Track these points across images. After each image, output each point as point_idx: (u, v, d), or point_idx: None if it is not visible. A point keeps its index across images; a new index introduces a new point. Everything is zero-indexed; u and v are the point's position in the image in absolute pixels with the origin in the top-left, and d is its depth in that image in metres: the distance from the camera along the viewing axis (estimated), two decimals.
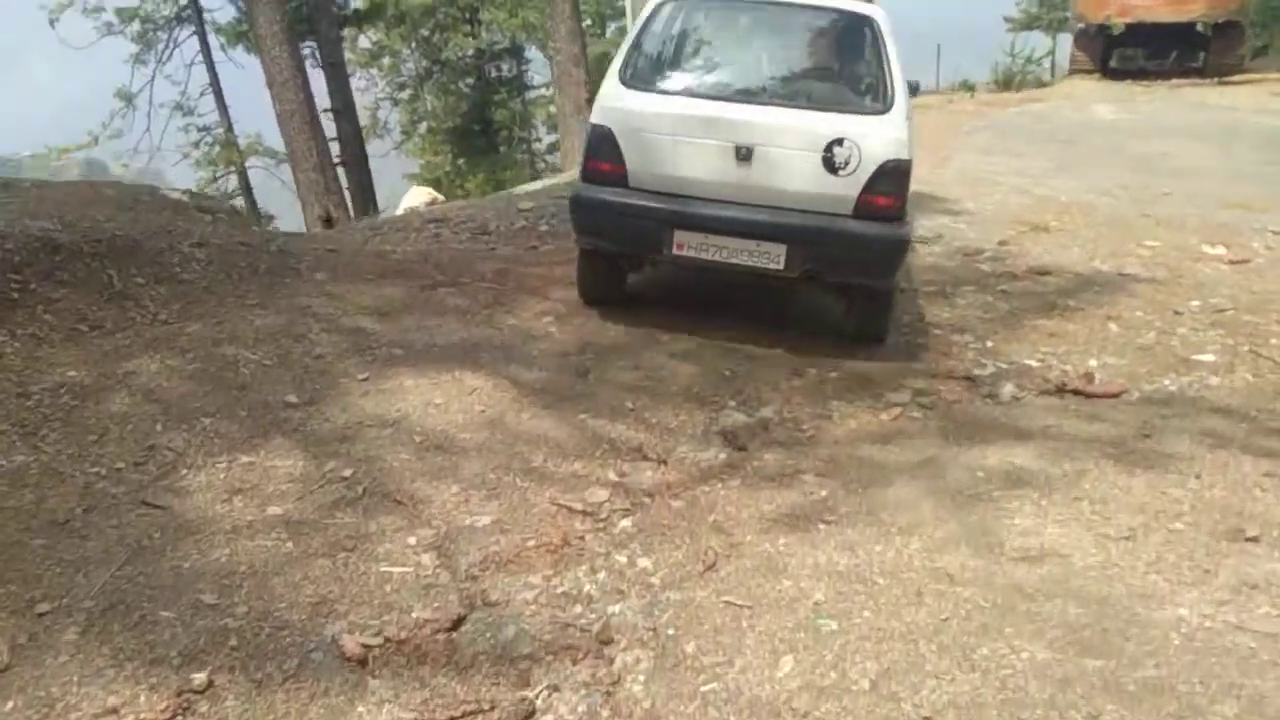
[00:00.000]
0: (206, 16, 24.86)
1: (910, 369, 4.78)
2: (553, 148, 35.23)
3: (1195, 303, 5.90)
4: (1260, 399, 4.54)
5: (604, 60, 34.96)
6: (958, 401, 4.38)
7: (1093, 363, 4.99)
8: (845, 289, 5.00)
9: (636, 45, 4.87)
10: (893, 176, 4.52)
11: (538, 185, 9.81)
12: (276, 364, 4.01)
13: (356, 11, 28.06)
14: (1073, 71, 17.40)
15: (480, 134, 34.16)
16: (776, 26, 5.12)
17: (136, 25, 24.54)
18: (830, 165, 4.47)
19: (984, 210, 8.10)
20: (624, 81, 4.75)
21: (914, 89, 5.07)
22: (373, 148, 35.35)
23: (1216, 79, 15.72)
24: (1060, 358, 5.05)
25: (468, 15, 32.82)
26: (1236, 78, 15.71)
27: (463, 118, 33.40)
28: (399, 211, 10.13)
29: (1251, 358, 5.08)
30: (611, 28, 33.85)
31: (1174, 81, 16.08)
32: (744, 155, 4.50)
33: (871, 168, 4.47)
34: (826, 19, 5.06)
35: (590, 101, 12.75)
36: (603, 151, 4.68)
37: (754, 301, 5.42)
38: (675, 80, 4.85)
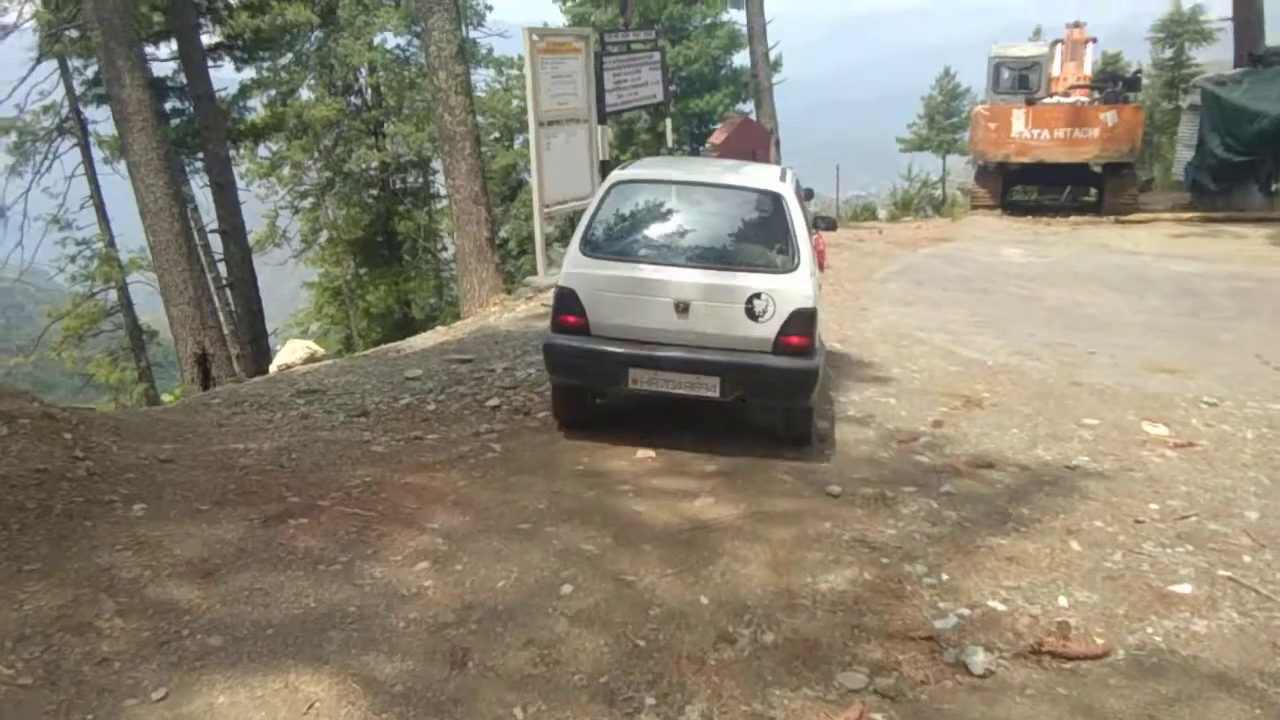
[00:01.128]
0: (90, 128, 23.78)
1: (862, 624, 3.99)
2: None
3: (1154, 506, 5.35)
4: (1257, 654, 3.91)
5: (510, 172, 35.27)
6: (925, 682, 3.59)
7: (1063, 601, 4.31)
8: (773, 409, 6.16)
9: (592, 220, 5.95)
10: (801, 320, 5.64)
11: (431, 341, 8.95)
12: (39, 682, 2.97)
13: (253, 125, 27.16)
14: (974, 207, 17.65)
15: (384, 245, 33.28)
16: (705, 203, 6.20)
17: (13, 136, 23.23)
18: (751, 314, 5.61)
19: (912, 378, 7.57)
20: (583, 251, 5.84)
21: (830, 224, 6.81)
22: (269, 256, 34.23)
23: (1114, 218, 16.07)
24: (1026, 595, 4.35)
25: (372, 128, 32.34)
26: (1133, 217, 16.08)
27: (366, 228, 32.51)
28: (273, 367, 9.10)
29: (1232, 588, 4.49)
30: (519, 140, 33.79)
31: (1074, 219, 16.39)
32: (683, 308, 5.63)
33: (784, 314, 5.59)
34: (744, 196, 6.18)
35: (490, 241, 12.21)
36: (568, 307, 5.79)
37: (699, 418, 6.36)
38: (625, 248, 5.91)
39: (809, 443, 6.10)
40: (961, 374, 7.78)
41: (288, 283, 36.86)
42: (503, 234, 33.45)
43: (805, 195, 6.86)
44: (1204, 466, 6.00)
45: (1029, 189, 19.08)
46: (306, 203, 33.08)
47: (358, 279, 34.11)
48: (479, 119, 33.03)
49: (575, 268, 5.82)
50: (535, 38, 10.74)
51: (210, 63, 21.35)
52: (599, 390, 6.23)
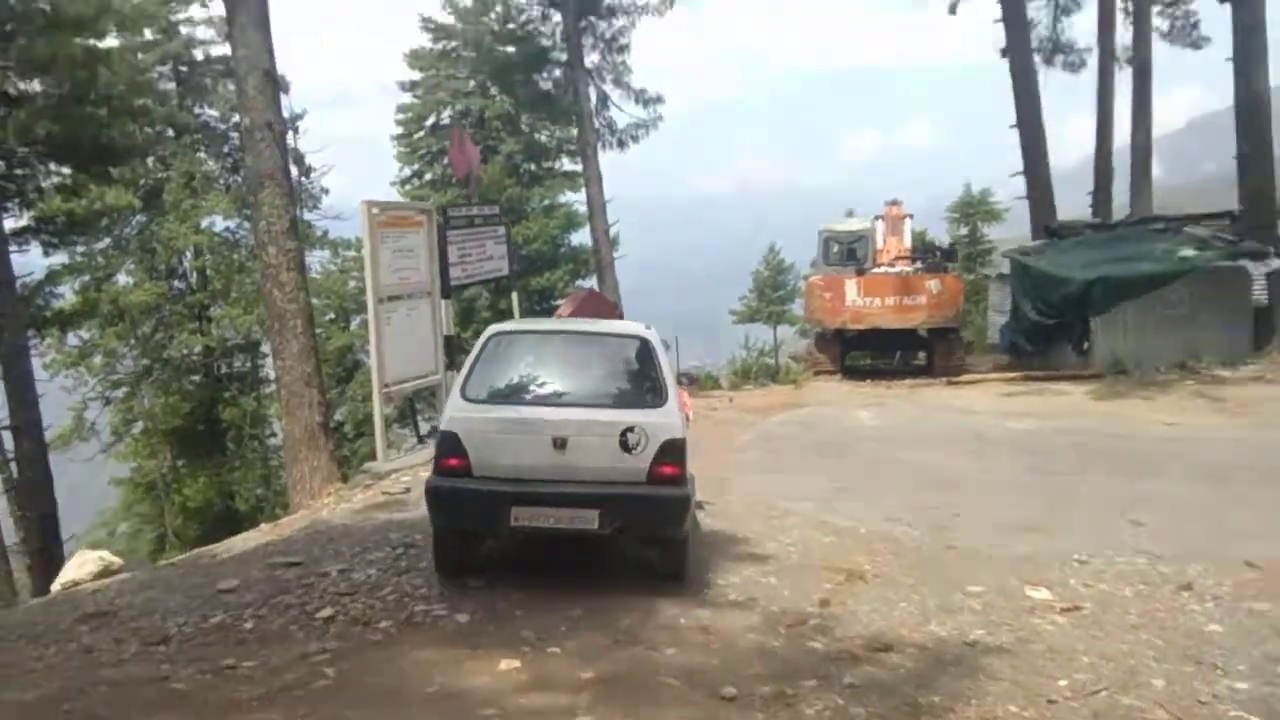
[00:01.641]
0: None
1: None
2: None
3: (1063, 682, 4.98)
4: None
5: (345, 354, 34.02)
6: None
7: None
8: (650, 541, 6.34)
9: (472, 368, 6.25)
10: (673, 450, 5.93)
11: (252, 542, 7.85)
12: None
13: (59, 312, 25.23)
14: (816, 372, 18.12)
15: (206, 434, 30.92)
16: (577, 349, 6.61)
17: None
18: (625, 446, 5.86)
19: (789, 553, 7.13)
20: (464, 397, 6.09)
21: (691, 379, 8.07)
22: (74, 452, 31.13)
23: (946, 379, 16.77)
24: None
25: (196, 312, 30.70)
26: (963, 378, 16.84)
27: (185, 416, 30.18)
28: (56, 585, 7.72)
29: None
30: (355, 321, 32.85)
31: (909, 382, 16.99)
32: (560, 444, 5.84)
33: (656, 445, 5.88)
34: (613, 341, 6.70)
35: (324, 425, 11.26)
36: (450, 450, 5.95)
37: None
38: (504, 392, 6.20)
39: (683, 577, 6.33)
40: (837, 545, 7.43)
41: (96, 479, 33.54)
42: (338, 416, 31.90)
43: (665, 347, 7.25)
44: (1097, 632, 5.75)
45: (862, 354, 19.84)
46: (119, 392, 30.63)
47: (174, 471, 31.43)
48: (313, 300, 32.42)
49: (457, 412, 6.10)
50: (375, 210, 10.32)
51: (15, 247, 19.73)
52: (483, 532, 6.39)
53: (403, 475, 9.84)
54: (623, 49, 24.78)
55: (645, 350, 6.42)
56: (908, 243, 20.58)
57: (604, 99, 25.12)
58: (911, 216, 21.80)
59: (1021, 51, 23.00)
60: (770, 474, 9.88)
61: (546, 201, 36.96)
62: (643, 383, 6.29)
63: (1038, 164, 22.82)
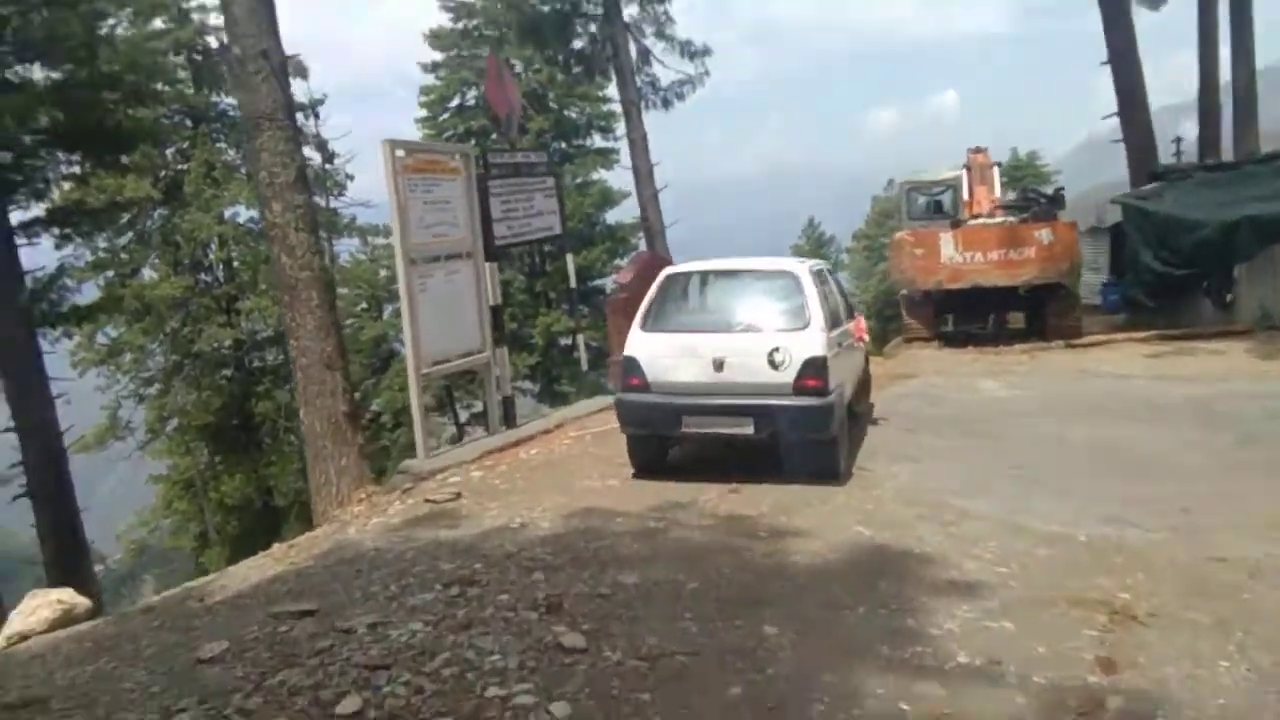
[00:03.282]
0: None
1: None
2: None
3: None
4: None
5: (381, 343, 32.23)
6: None
7: None
8: (801, 443, 7.04)
9: (650, 303, 7.60)
10: (813, 366, 6.92)
11: (255, 576, 5.82)
12: None
13: (76, 308, 23.64)
14: (908, 340, 15.86)
15: (240, 429, 29.62)
16: (735, 283, 7.96)
17: None
18: (773, 364, 6.96)
19: (1003, 579, 5.01)
20: (643, 328, 7.47)
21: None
22: (115, 450, 29.86)
23: (1063, 342, 14.45)
24: None
25: (224, 304, 29.22)
26: (1084, 340, 14.52)
27: (218, 413, 28.80)
28: (0, 638, 5.79)
29: None
30: (388, 310, 31.15)
31: (1019, 346, 14.68)
32: (719, 364, 7.06)
33: (799, 363, 6.92)
34: (765, 275, 7.83)
35: (351, 415, 9.26)
36: (632, 371, 7.35)
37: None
38: (674, 323, 7.51)
39: (837, 475, 7.12)
40: (1061, 561, 5.30)
41: (139, 475, 32.51)
42: (375, 406, 30.26)
43: (833, 281, 8.60)
44: None
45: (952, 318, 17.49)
46: (152, 389, 29.47)
47: (211, 468, 30.16)
48: (342, 289, 30.69)
49: (637, 340, 7.38)
50: (400, 153, 8.31)
51: (25, 240, 18.05)
52: (662, 434, 7.47)
53: (451, 475, 7.85)
54: None
55: (793, 282, 7.42)
56: (997, 192, 18.16)
57: (645, 54, 22.88)
58: (1000, 164, 19.40)
59: None
60: (917, 461, 7.74)
61: (579, 179, 34.96)
62: (789, 310, 7.26)
63: (1135, 104, 20.37)
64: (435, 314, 8.58)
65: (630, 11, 22.61)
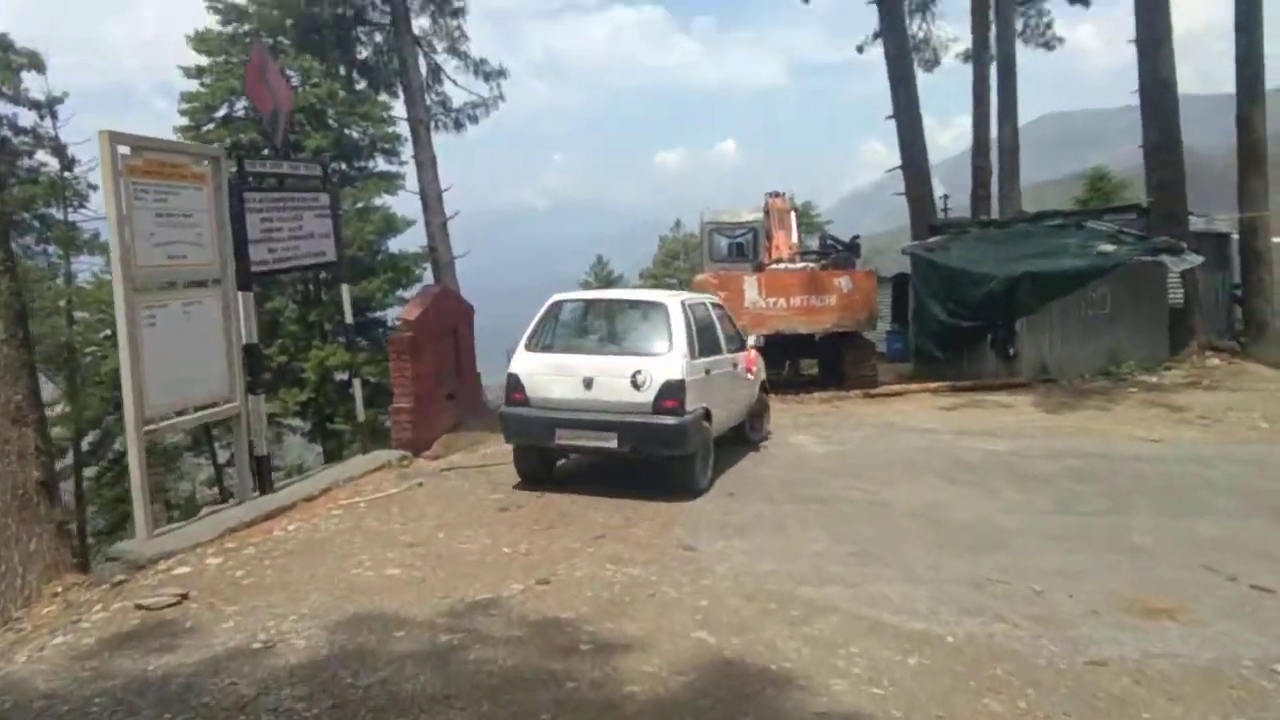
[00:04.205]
0: None
1: None
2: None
3: None
4: None
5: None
6: None
7: None
8: (658, 458, 7.92)
9: (537, 327, 8.41)
10: (671, 388, 7.69)
11: None
12: None
13: None
14: None
15: None
16: (611, 311, 9.00)
17: None
18: (635, 385, 7.74)
19: (877, 704, 4.11)
20: (528, 348, 8.27)
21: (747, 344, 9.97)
22: None
23: (860, 392, 14.35)
24: None
25: None
26: (881, 390, 14.49)
27: None
28: None
29: None
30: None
31: (818, 395, 14.43)
32: (588, 383, 7.85)
33: (658, 384, 7.71)
34: (639, 305, 8.83)
35: (45, 485, 7.04)
36: (514, 387, 8.15)
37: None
38: (553, 344, 8.35)
39: (696, 491, 7.99)
40: (937, 673, 4.49)
41: None
42: (118, 446, 26.41)
43: (716, 316, 9.26)
44: None
45: None
46: None
47: None
48: (80, 314, 26.72)
49: (520, 358, 8.28)
50: (123, 149, 6.55)
51: None
52: (539, 445, 8.27)
53: (177, 568, 6.12)
54: (457, 11, 21.21)
55: (662, 312, 8.18)
56: (794, 237, 18.14)
57: (436, 70, 21.47)
58: (797, 210, 19.50)
59: (897, 34, 21.35)
60: (745, 536, 6.86)
61: (360, 204, 32.60)
62: (654, 337, 8.04)
63: (917, 157, 21.21)
64: (167, 354, 6.82)
65: (420, 24, 21.19)
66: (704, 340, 8.37)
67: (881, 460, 9.66)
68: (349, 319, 10.28)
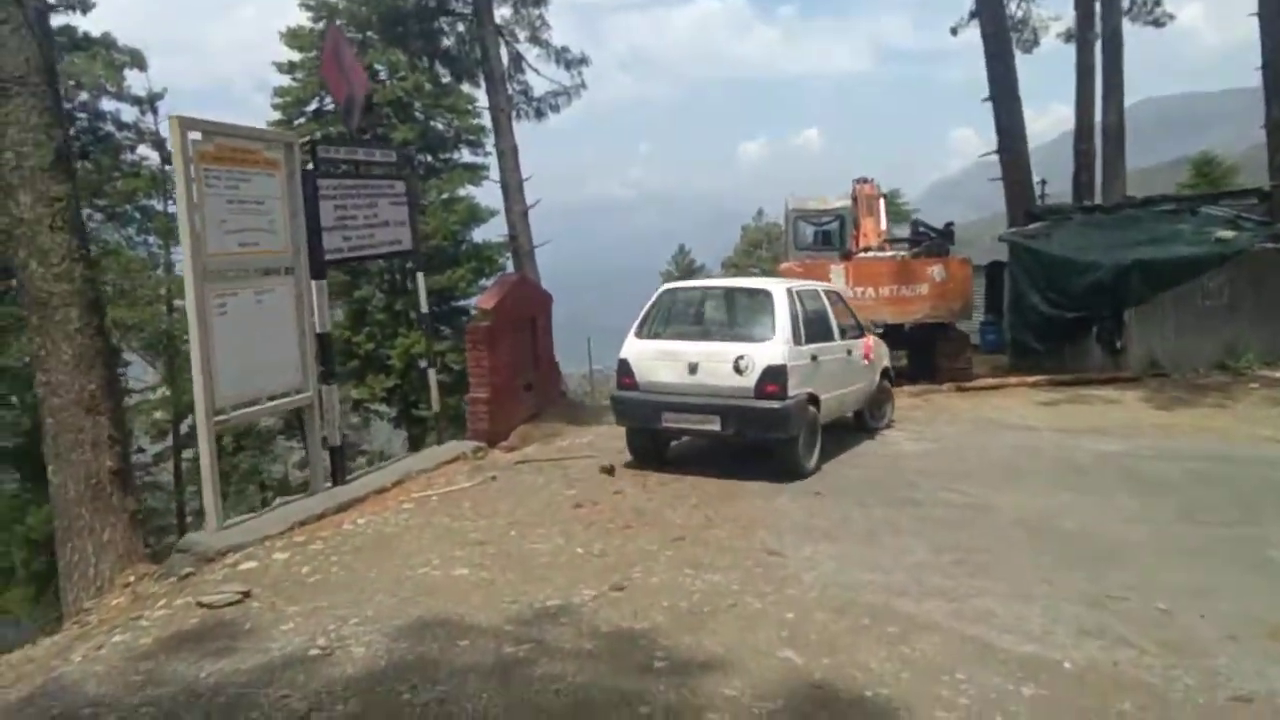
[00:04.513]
0: None
1: None
2: (158, 458, 27.69)
3: None
4: None
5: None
6: None
7: None
8: (762, 441, 8.16)
9: (647, 315, 8.74)
10: (771, 373, 7.88)
11: None
12: None
13: None
14: None
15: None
16: (718, 298, 9.43)
17: None
18: (738, 370, 7.97)
19: None
20: (637, 335, 8.62)
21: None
22: None
23: (952, 385, 13.63)
24: None
25: None
26: (976, 384, 13.73)
27: (26, 435, 25.17)
28: None
29: None
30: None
31: (907, 389, 13.72)
32: (693, 368, 8.13)
33: (760, 369, 7.91)
34: (745, 293, 9.13)
35: (118, 474, 7.03)
36: (625, 372, 8.54)
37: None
38: (661, 331, 8.66)
39: (800, 474, 8.15)
40: (1056, 706, 3.98)
41: None
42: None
43: (828, 303, 9.31)
44: None
45: None
46: None
47: (19, 496, 26.45)
48: (177, 301, 27.50)
49: (630, 345, 8.59)
50: (195, 134, 6.42)
51: None
52: (648, 427, 8.55)
53: (244, 562, 5.97)
54: (539, 0, 20.99)
55: (767, 299, 8.31)
56: (883, 225, 17.44)
57: (517, 59, 21.30)
58: (886, 196, 18.74)
59: (994, 10, 20.25)
60: (835, 541, 6.39)
61: (445, 195, 32.83)
62: (758, 323, 8.27)
63: (1015, 141, 20.06)
64: (238, 344, 6.69)
65: (502, 13, 20.98)
66: (813, 327, 8.53)
67: (980, 460, 9.03)
68: (424, 308, 10.10)
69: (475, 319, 10.99)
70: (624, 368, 8.50)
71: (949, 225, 16.73)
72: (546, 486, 8.08)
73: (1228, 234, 14.39)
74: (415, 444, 25.26)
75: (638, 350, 8.45)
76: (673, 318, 8.81)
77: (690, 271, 60.07)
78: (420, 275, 9.94)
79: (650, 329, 8.58)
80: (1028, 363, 15.07)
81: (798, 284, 9.11)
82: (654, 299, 8.83)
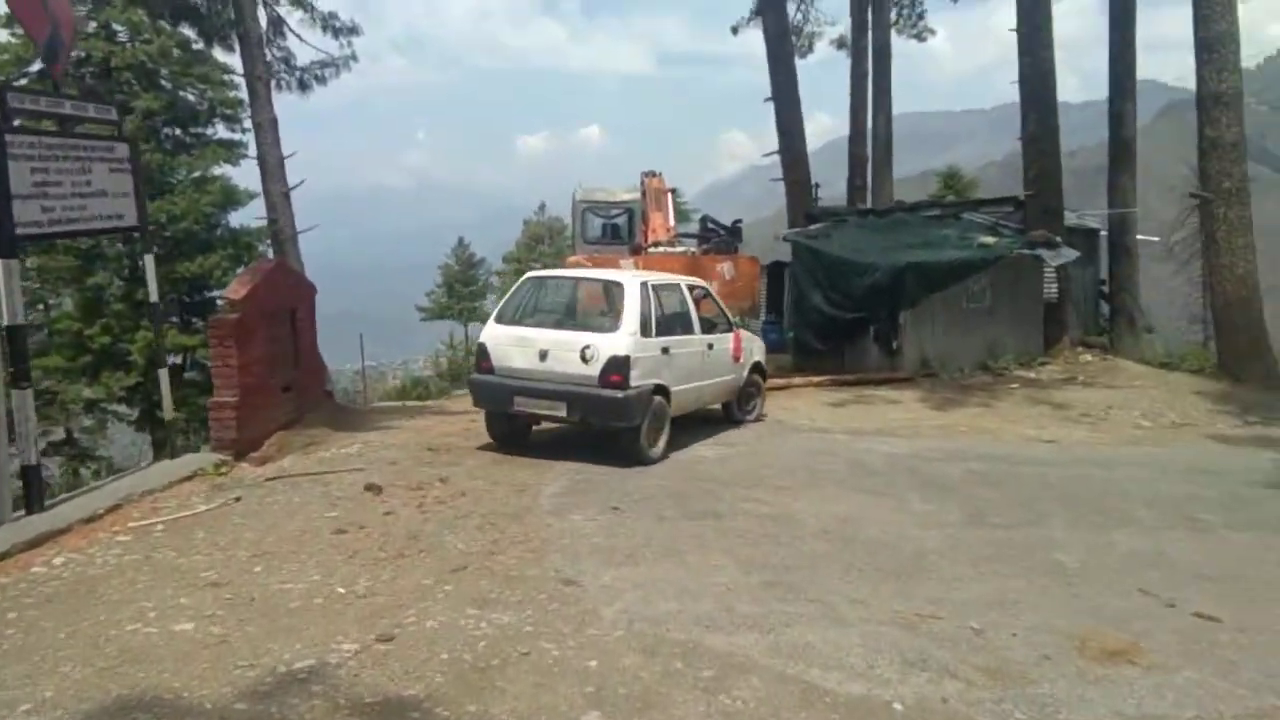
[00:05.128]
0: None
1: None
2: None
3: None
4: None
5: None
6: None
7: None
8: (611, 429, 8.38)
9: (504, 302, 9.24)
10: (616, 364, 8.12)
11: None
12: None
13: None
14: None
15: None
16: (573, 289, 9.46)
17: None
18: (584, 359, 8.20)
19: None
20: (497, 320, 8.98)
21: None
22: None
23: None
24: None
25: None
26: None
27: None
28: None
29: None
30: None
31: None
32: (543, 355, 8.40)
33: (604, 360, 8.14)
34: (598, 283, 9.27)
35: None
36: (483, 356, 8.83)
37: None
38: (517, 317, 8.90)
39: (642, 462, 8.40)
40: None
41: None
42: None
43: (689, 295, 9.66)
44: None
45: None
46: None
47: None
48: None
49: (489, 330, 8.96)
50: None
51: None
52: (499, 410, 8.84)
53: None
54: None
55: (618, 291, 8.64)
56: (672, 220, 17.22)
57: (277, 22, 19.39)
58: (674, 191, 18.55)
59: (778, 13, 20.62)
60: (637, 564, 5.76)
61: (197, 174, 29.69)
62: (605, 313, 8.72)
63: (796, 141, 20.54)
64: None
65: None
66: (668, 320, 8.88)
67: (777, 465, 8.77)
68: (154, 296, 8.57)
69: (221, 311, 9.53)
70: (482, 351, 8.82)
71: (737, 223, 16.75)
72: (303, 508, 6.93)
73: (989, 239, 15.25)
74: (160, 449, 22.55)
75: (495, 335, 8.76)
76: (530, 305, 9.03)
77: (470, 265, 58.42)
78: (150, 257, 8.41)
79: (508, 315, 8.88)
80: (810, 363, 15.32)
81: (656, 277, 9.40)
82: (515, 286, 9.34)
